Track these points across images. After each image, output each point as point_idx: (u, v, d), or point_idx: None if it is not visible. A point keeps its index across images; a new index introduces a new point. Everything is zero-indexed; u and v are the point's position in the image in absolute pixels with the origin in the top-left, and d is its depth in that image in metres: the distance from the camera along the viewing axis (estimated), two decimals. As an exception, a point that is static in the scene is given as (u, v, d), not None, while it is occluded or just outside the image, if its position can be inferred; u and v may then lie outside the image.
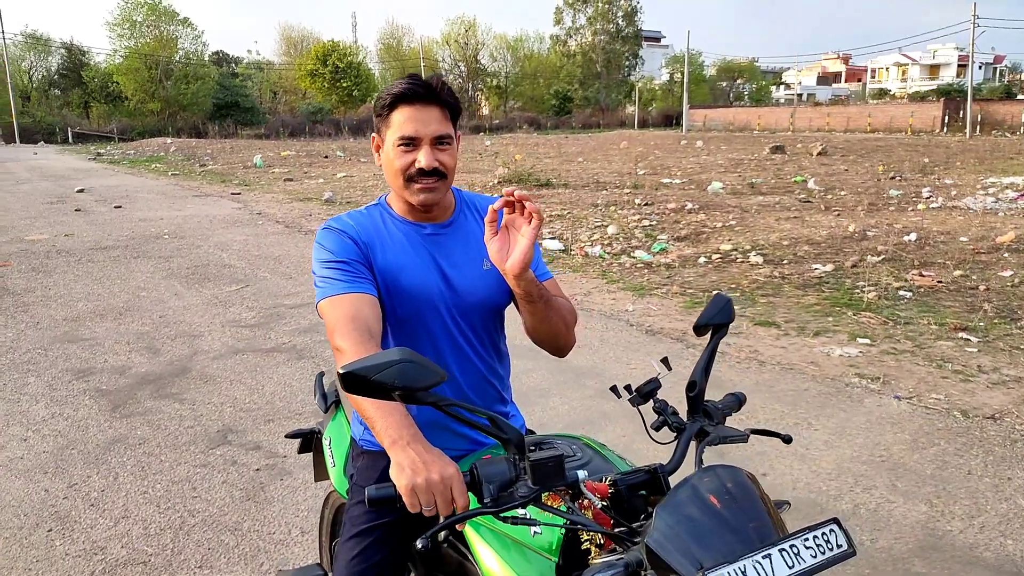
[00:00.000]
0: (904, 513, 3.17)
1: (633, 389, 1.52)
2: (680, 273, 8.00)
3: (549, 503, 1.29)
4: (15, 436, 4.09)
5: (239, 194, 16.48)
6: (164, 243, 10.26)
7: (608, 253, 9.20)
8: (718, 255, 8.78)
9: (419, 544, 1.11)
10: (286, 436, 2.31)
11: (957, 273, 7.54)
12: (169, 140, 40.06)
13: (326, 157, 27.40)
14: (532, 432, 1.87)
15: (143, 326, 6.20)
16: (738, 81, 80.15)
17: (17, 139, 46.75)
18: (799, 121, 50.65)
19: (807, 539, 1.13)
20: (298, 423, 4.18)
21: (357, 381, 1.11)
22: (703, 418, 1.50)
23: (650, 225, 10.80)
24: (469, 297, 1.67)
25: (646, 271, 8.15)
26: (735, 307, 2.04)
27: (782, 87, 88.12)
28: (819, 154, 24.04)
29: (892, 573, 2.77)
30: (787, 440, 1.56)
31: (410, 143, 1.56)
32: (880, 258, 8.30)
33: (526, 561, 1.32)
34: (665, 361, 1.54)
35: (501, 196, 1.47)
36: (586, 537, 1.26)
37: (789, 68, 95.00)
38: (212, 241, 10.42)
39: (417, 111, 1.56)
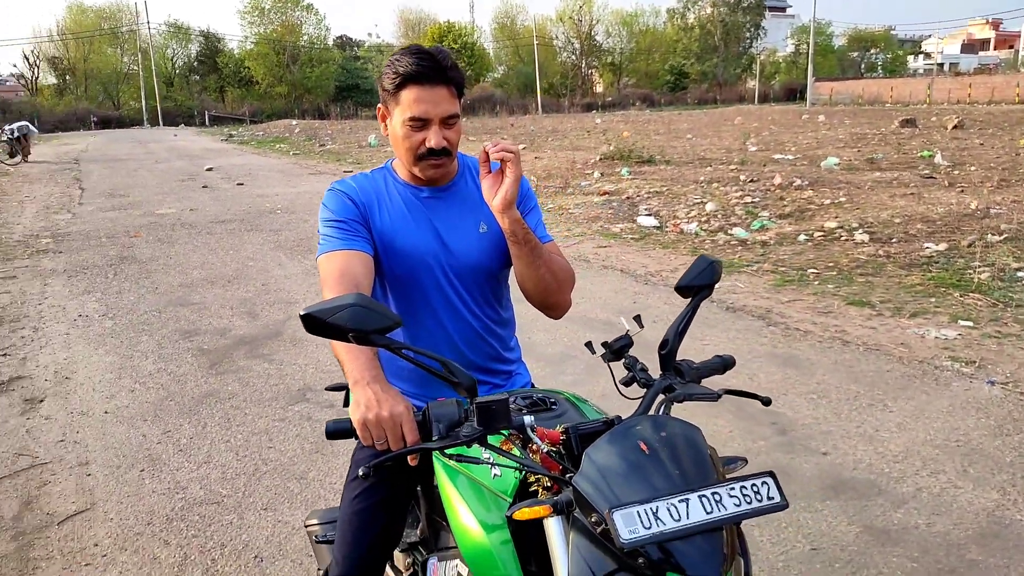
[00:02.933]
0: (971, 500, 3.01)
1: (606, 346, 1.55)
2: (775, 251, 7.74)
3: (504, 447, 1.37)
4: (124, 387, 4.53)
5: (351, 172, 17.15)
6: (276, 217, 10.89)
7: (704, 230, 9.00)
8: (821, 233, 8.41)
9: (360, 472, 1.20)
10: (326, 389, 2.47)
11: (1088, 254, 6.90)
12: (294, 122, 42.07)
13: (437, 136, 27.97)
14: (533, 386, 1.93)
15: (247, 292, 6.66)
16: (871, 51, 75.24)
17: (160, 122, 50.50)
18: (937, 93, 47.07)
19: (733, 488, 1.14)
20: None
21: (315, 323, 1.21)
22: (673, 376, 1.51)
23: (752, 202, 10.44)
24: (463, 258, 1.73)
25: (740, 248, 7.93)
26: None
27: (920, 57, 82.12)
28: (954, 127, 22.31)
29: (944, 557, 2.65)
30: (766, 402, 1.54)
31: (420, 123, 1.61)
32: (1001, 237, 7.70)
33: (481, 500, 1.40)
34: (637, 319, 1.55)
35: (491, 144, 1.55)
36: (532, 479, 1.32)
37: (930, 36, 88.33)
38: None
39: (426, 92, 1.58)
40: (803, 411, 3.88)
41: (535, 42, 57.12)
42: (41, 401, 4.36)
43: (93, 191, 14.74)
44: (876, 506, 2.98)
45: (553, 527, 1.23)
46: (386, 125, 1.71)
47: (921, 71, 73.72)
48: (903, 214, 9.12)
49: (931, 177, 12.26)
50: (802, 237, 8.23)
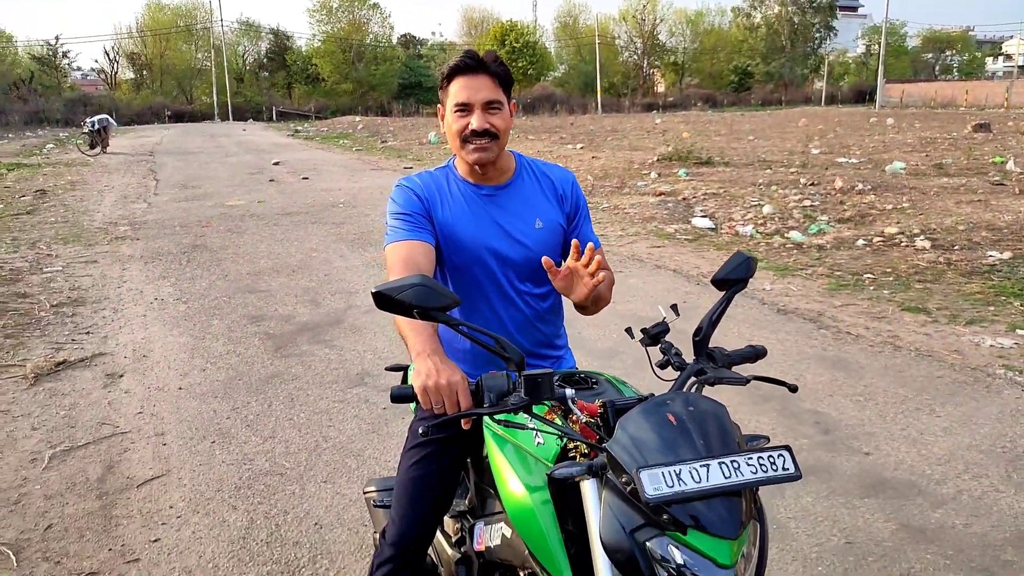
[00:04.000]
0: (1011, 503, 3.03)
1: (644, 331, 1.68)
2: (832, 255, 7.68)
3: (548, 417, 1.51)
4: (197, 367, 4.83)
5: (411, 168, 17.51)
6: (339, 211, 11.24)
7: (760, 233, 8.97)
8: (880, 238, 8.30)
9: (420, 430, 1.37)
10: (386, 369, 2.65)
11: None
12: (358, 118, 42.94)
13: (497, 134, 28.18)
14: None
15: (310, 282, 6.95)
16: (946, 53, 72.63)
17: (231, 117, 52.12)
18: (1016, 96, 45.21)
19: (751, 458, 1.27)
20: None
21: (384, 299, 1.39)
22: (706, 361, 1.63)
23: (811, 206, 10.34)
24: (519, 250, 1.89)
25: (795, 252, 7.89)
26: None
27: (1000, 58, 78.91)
28: (1031, 133, 21.51)
29: (978, 557, 2.69)
30: (793, 389, 1.65)
31: (464, 108, 1.81)
32: (1071, 247, 7.49)
33: (525, 465, 1.55)
34: (674, 307, 1.68)
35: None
36: (572, 446, 1.47)
37: (1012, 36, 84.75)
38: (380, 210, 11.25)
39: (469, 80, 1.81)
40: (848, 412, 3.92)
41: (597, 41, 56.95)
42: (121, 376, 4.69)
43: (167, 182, 15.41)
44: (914, 505, 3.03)
45: (588, 489, 1.38)
46: (443, 123, 1.90)
47: (1000, 73, 70.99)
48: (968, 221, 8.92)
49: (1001, 184, 11.91)
50: (860, 242, 8.14)
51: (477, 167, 1.88)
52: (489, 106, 1.82)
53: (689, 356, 1.69)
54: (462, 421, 1.47)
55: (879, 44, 54.33)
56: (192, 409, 4.17)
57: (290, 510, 3.14)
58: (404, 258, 1.76)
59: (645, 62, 64.28)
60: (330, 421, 3.99)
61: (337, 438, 3.79)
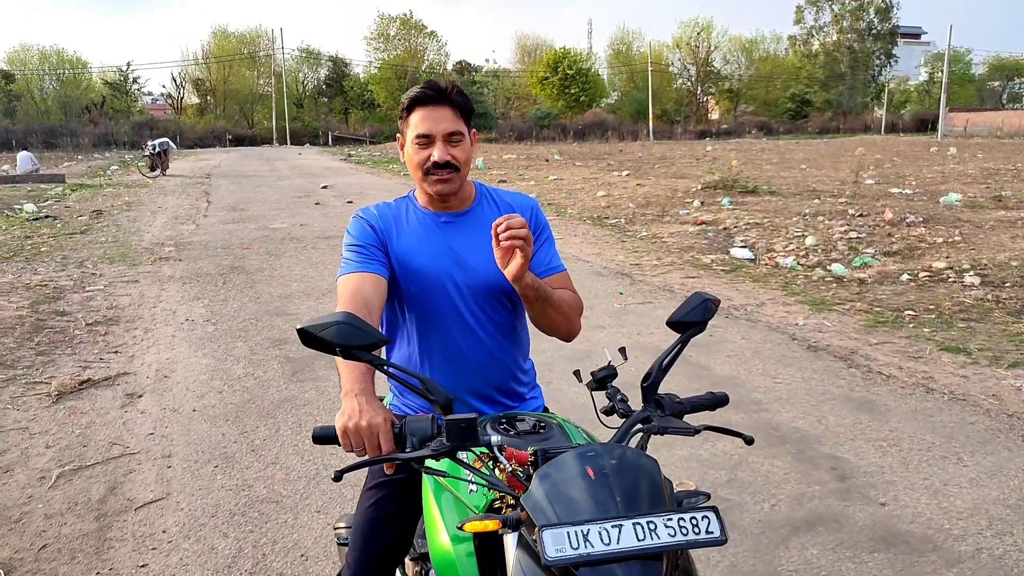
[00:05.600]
0: (1036, 566, 2.81)
1: (590, 375, 1.60)
2: (873, 290, 7.40)
3: (476, 465, 1.45)
4: (214, 388, 4.88)
5: (455, 193, 17.63)
6: (377, 235, 11.34)
7: (800, 265, 8.72)
8: (927, 273, 7.98)
9: (333, 476, 1.32)
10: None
11: None
12: (410, 143, 43.49)
13: (545, 160, 28.28)
14: (547, 410, 2.00)
15: (337, 306, 6.99)
16: (1014, 80, 70.29)
17: (288, 141, 53.54)
18: (1089, 126, 43.45)
19: (671, 519, 1.17)
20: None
21: (307, 337, 1.36)
22: (653, 408, 1.54)
23: (857, 237, 10.03)
24: (478, 277, 1.84)
25: (834, 285, 7.64)
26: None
27: (1073, 87, 75.88)
28: (1102, 164, 20.56)
29: (992, 625, 2.50)
30: (749, 441, 1.54)
31: (426, 139, 1.78)
32: None
33: (455, 512, 1.48)
34: (622, 351, 1.60)
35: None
36: (496, 496, 1.40)
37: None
38: (418, 235, 11.33)
39: (430, 112, 1.78)
40: (868, 458, 3.73)
41: (650, 68, 56.85)
42: (140, 396, 4.77)
43: (218, 204, 15.84)
44: (927, 563, 2.84)
45: (509, 543, 1.30)
46: (403, 153, 1.87)
47: (1073, 102, 68.21)
48: (1023, 256, 8.52)
49: (1063, 218, 11.37)
50: (905, 276, 7.83)
51: (438, 197, 1.84)
52: (450, 137, 1.78)
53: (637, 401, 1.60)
54: (384, 466, 1.42)
55: (942, 72, 52.94)
56: (202, 432, 4.20)
57: (279, 539, 3.11)
58: (352, 291, 1.73)
59: (699, 89, 63.88)
60: (334, 449, 3.96)
61: (338, 466, 3.74)
